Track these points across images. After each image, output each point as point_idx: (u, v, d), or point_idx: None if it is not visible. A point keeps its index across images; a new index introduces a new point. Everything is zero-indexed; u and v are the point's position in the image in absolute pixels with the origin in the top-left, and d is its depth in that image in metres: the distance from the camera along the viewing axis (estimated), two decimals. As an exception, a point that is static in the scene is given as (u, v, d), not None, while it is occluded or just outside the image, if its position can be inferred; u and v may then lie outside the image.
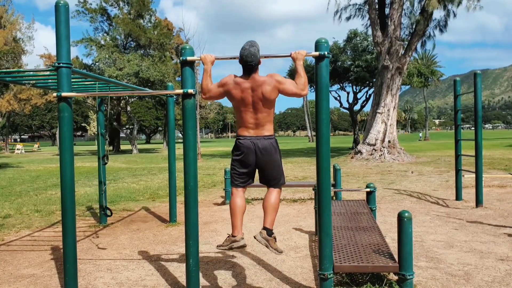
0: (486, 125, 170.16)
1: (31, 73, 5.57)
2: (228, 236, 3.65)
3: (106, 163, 6.68)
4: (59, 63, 3.73)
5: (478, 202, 7.84)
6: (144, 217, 7.72)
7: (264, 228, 3.62)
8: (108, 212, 6.74)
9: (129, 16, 35.27)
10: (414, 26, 21.96)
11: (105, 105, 7.00)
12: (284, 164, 19.02)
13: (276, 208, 3.70)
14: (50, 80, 5.48)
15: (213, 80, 3.72)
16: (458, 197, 8.60)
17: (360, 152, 20.91)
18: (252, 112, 3.59)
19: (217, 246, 3.74)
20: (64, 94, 3.72)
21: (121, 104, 37.03)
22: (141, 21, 35.94)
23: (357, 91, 35.78)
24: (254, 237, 3.61)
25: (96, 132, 6.83)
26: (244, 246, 3.62)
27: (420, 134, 69.26)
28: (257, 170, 3.74)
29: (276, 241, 3.62)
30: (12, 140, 76.56)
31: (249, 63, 3.52)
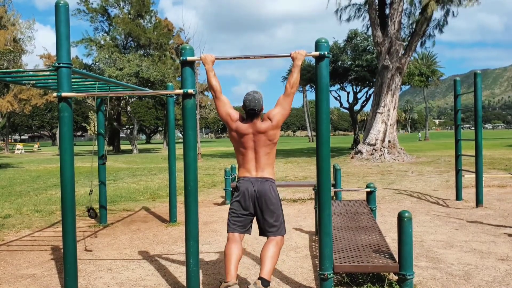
0: (486, 125, 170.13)
1: (31, 73, 5.57)
2: (221, 284, 3.43)
3: (104, 163, 6.67)
4: (59, 63, 3.73)
5: (478, 202, 7.84)
6: (144, 217, 7.72)
7: (260, 278, 3.35)
8: (93, 213, 6.38)
9: (129, 16, 35.27)
10: (414, 26, 21.97)
11: (105, 105, 7.00)
12: (284, 164, 19.12)
13: (275, 258, 3.46)
14: (50, 80, 5.49)
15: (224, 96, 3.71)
16: (458, 197, 8.60)
17: (360, 152, 20.91)
18: (253, 156, 3.58)
19: None
20: (64, 94, 3.72)
21: (121, 104, 37.04)
22: (141, 21, 35.95)
23: (357, 91, 35.81)
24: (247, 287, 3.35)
25: (95, 132, 6.82)
26: None
27: (419, 134, 69.20)
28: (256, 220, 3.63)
29: None
30: (12, 140, 76.56)
31: (251, 107, 3.54)
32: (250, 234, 3.68)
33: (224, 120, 3.67)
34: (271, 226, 3.57)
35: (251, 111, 3.55)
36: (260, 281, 3.32)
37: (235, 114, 3.63)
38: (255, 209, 3.57)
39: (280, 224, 3.60)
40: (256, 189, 3.53)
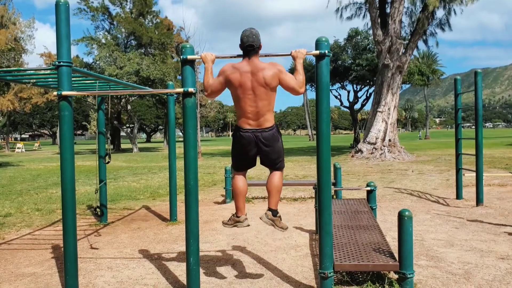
0: (487, 124, 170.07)
1: (32, 72, 5.57)
2: (232, 215, 3.85)
3: (108, 162, 6.61)
4: (59, 62, 3.73)
5: (479, 201, 7.84)
6: (144, 215, 7.72)
7: (269, 209, 3.78)
8: (99, 212, 6.53)
9: (131, 15, 35.26)
10: (414, 25, 21.95)
11: (106, 104, 6.99)
12: (285, 163, 19.01)
13: (279, 189, 3.81)
14: (50, 79, 5.48)
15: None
16: (458, 196, 8.60)
17: (360, 151, 20.91)
18: (251, 100, 3.55)
19: (223, 222, 3.96)
20: (64, 93, 3.72)
21: (122, 103, 37.04)
22: (143, 20, 35.94)
23: (358, 90, 35.82)
24: (260, 218, 3.78)
25: (96, 131, 6.81)
26: (247, 225, 3.89)
27: (420, 133, 69.11)
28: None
29: (281, 220, 3.81)
30: (13, 139, 76.59)
31: (250, 43, 3.50)
32: (255, 165, 3.90)
33: (222, 84, 3.62)
34: (274, 163, 3.80)
35: (249, 47, 3.51)
36: (270, 212, 3.78)
37: (225, 67, 3.62)
38: (258, 152, 3.73)
39: (282, 159, 3.84)
40: (259, 142, 3.64)
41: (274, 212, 3.77)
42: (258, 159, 3.88)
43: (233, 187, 3.88)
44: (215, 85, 3.64)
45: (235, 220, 3.85)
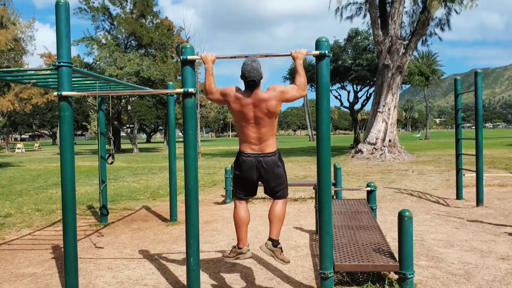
0: (487, 124, 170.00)
1: (32, 72, 5.57)
2: (234, 248, 3.66)
3: (112, 162, 6.56)
4: (59, 62, 3.73)
5: (479, 201, 7.83)
6: (144, 216, 7.72)
7: (270, 239, 3.60)
8: (104, 211, 6.67)
9: (131, 15, 35.26)
10: (415, 25, 21.95)
11: (106, 104, 6.98)
12: (285, 163, 19.02)
13: (281, 218, 3.66)
14: (50, 79, 5.49)
15: (217, 84, 3.70)
16: (458, 196, 8.60)
17: (360, 151, 20.90)
18: (254, 127, 3.55)
19: (224, 256, 3.76)
20: (64, 93, 3.72)
21: (122, 103, 37.04)
22: (143, 21, 35.95)
23: (358, 90, 35.81)
24: (260, 248, 3.64)
25: (96, 132, 6.80)
26: (250, 257, 3.68)
27: (419, 134, 69.03)
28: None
29: (282, 252, 3.62)
30: (13, 139, 76.59)
31: (251, 78, 3.46)
32: (256, 195, 3.84)
33: (222, 101, 3.64)
34: (276, 191, 3.70)
35: (251, 82, 3.49)
36: (270, 242, 3.60)
37: (231, 88, 3.60)
38: (260, 179, 3.66)
39: (284, 187, 3.73)
40: (261, 167, 3.57)
41: (275, 243, 3.59)
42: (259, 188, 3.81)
43: (234, 217, 3.71)
44: (216, 97, 3.65)
45: (237, 252, 3.64)
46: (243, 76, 3.50)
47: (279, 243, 3.61)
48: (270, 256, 3.60)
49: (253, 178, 3.63)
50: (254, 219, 6.75)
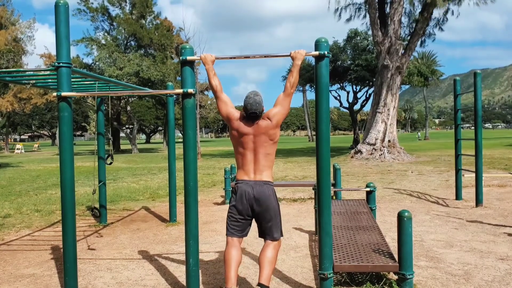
0: (486, 125, 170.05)
1: (31, 72, 5.57)
2: None
3: (111, 163, 6.58)
4: (59, 63, 3.73)
5: (478, 201, 7.84)
6: (144, 216, 7.72)
7: (259, 284, 3.40)
8: (97, 213, 6.49)
9: (131, 16, 35.26)
10: (414, 26, 21.97)
11: (105, 105, 6.98)
12: (284, 164, 19.10)
13: (273, 262, 3.50)
14: (50, 80, 5.49)
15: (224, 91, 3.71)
16: (458, 196, 8.60)
17: (360, 151, 20.91)
18: (252, 156, 3.55)
19: None
20: (64, 93, 3.72)
21: (121, 104, 37.03)
22: (143, 21, 35.96)
23: (357, 90, 35.83)
24: None
25: (95, 132, 6.80)
26: None
27: (419, 134, 69.00)
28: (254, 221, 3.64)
29: None
30: (12, 139, 76.52)
31: (254, 111, 3.50)
32: (247, 236, 3.69)
33: (225, 119, 3.67)
34: (268, 230, 3.58)
35: (252, 114, 3.52)
36: (259, 287, 3.38)
37: (236, 113, 3.61)
38: (253, 213, 3.55)
39: (278, 227, 3.60)
40: (254, 193, 3.49)
41: None
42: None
43: (225, 255, 3.51)
44: (221, 107, 3.66)
45: None
46: (245, 108, 3.55)
47: None
48: None
49: (246, 206, 3.50)
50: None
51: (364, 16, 24.95)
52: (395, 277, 3.85)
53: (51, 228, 6.85)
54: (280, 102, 3.61)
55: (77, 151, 41.61)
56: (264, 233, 3.61)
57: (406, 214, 3.68)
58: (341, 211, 5.73)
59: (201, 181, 12.41)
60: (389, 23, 20.85)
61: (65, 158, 3.79)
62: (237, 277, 3.48)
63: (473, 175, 7.97)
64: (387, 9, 21.75)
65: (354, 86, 35.58)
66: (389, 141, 20.81)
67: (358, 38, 32.52)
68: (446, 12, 22.75)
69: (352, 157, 21.11)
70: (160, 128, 69.61)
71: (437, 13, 22.85)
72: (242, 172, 3.59)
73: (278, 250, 3.60)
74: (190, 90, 3.58)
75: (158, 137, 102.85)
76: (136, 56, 32.45)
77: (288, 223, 6.75)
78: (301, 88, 48.99)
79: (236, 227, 3.58)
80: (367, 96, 35.61)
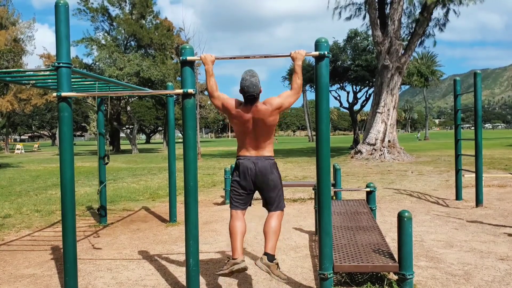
0: (486, 125, 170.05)
1: (31, 73, 5.57)
2: (228, 260, 3.52)
3: (107, 163, 6.67)
4: (59, 63, 3.73)
5: (478, 201, 7.84)
6: (144, 217, 7.72)
7: (265, 253, 3.50)
8: (103, 212, 6.65)
9: (131, 16, 35.27)
10: (414, 26, 21.97)
11: (105, 105, 6.99)
12: (284, 164, 19.11)
13: (277, 232, 3.59)
14: (50, 80, 5.49)
15: (219, 88, 3.72)
16: (458, 196, 8.60)
17: (360, 151, 20.91)
18: (252, 137, 3.60)
19: (217, 273, 3.57)
20: (64, 94, 3.72)
21: (121, 104, 37.03)
22: (143, 21, 35.97)
23: (357, 90, 35.84)
24: (255, 263, 3.53)
25: (95, 132, 6.83)
26: (245, 268, 3.46)
27: (418, 134, 68.98)
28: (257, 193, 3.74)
29: (278, 267, 3.49)
30: (12, 140, 76.52)
31: (250, 93, 3.51)
32: (250, 206, 3.80)
33: (223, 111, 3.70)
34: (272, 202, 3.67)
35: (250, 97, 3.54)
36: (266, 257, 3.48)
37: (231, 101, 3.64)
38: (255, 187, 3.65)
39: (280, 199, 3.70)
40: (257, 169, 3.58)
41: (271, 257, 3.46)
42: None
43: (230, 227, 3.62)
44: (216, 103, 3.69)
45: (231, 264, 3.43)
46: (242, 91, 3.56)
47: (275, 258, 3.49)
48: (266, 272, 3.45)
49: (249, 181, 3.60)
50: (253, 219, 6.75)
51: (364, 17, 24.97)
52: (395, 277, 3.85)
53: (51, 228, 6.85)
54: (285, 97, 3.62)
55: (77, 151, 41.63)
56: (267, 204, 3.72)
57: (406, 214, 3.68)
58: (341, 211, 5.73)
59: (201, 181, 12.41)
60: (389, 23, 20.85)
61: (65, 158, 3.79)
62: (243, 249, 3.62)
63: (473, 175, 7.97)
64: (387, 9, 21.75)
65: (354, 86, 35.59)
66: (389, 141, 20.80)
67: (358, 38, 32.53)
68: (447, 12, 22.75)
69: (352, 157, 21.11)
70: (160, 128, 69.61)
71: (437, 13, 22.86)
72: (243, 149, 3.67)
73: (281, 219, 3.70)
74: (190, 90, 3.58)
75: (158, 137, 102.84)
76: (136, 56, 32.45)
77: (288, 223, 6.75)
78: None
79: (240, 200, 3.69)
80: (367, 96, 35.65)
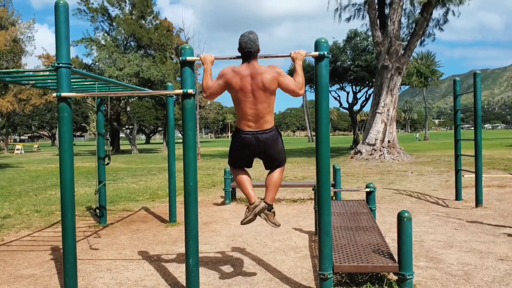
0: (486, 125, 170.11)
1: (31, 73, 5.57)
2: (247, 207, 3.76)
3: (108, 164, 6.65)
4: (58, 63, 3.72)
5: (478, 202, 7.84)
6: (143, 217, 7.72)
7: (265, 203, 3.76)
8: (99, 213, 6.63)
9: (131, 17, 35.29)
10: (413, 26, 21.98)
11: (105, 105, 6.99)
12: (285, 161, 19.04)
13: (277, 185, 3.82)
14: (49, 80, 5.49)
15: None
16: (457, 197, 8.60)
17: (359, 152, 20.91)
18: (251, 103, 3.55)
19: (241, 222, 3.80)
20: (63, 94, 3.72)
21: (121, 104, 37.04)
22: (143, 22, 35.99)
23: (357, 91, 35.85)
24: (254, 211, 3.72)
25: (95, 133, 6.84)
26: (265, 207, 3.72)
27: (417, 135, 68.96)
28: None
29: (275, 216, 3.82)
30: (12, 140, 76.52)
31: (248, 49, 3.52)
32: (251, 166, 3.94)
33: (223, 89, 3.64)
34: (275, 163, 3.83)
35: (247, 53, 3.53)
36: (265, 206, 3.74)
37: (225, 70, 3.61)
38: (259, 155, 3.77)
39: (282, 159, 3.86)
40: (258, 143, 3.64)
41: (269, 207, 3.78)
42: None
43: (237, 180, 3.84)
44: (214, 87, 3.65)
45: (251, 208, 3.72)
46: (240, 48, 3.57)
47: (272, 207, 3.81)
48: (263, 219, 3.77)
49: (251, 154, 3.74)
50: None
51: (364, 17, 24.99)
52: (395, 277, 3.85)
53: (51, 229, 6.84)
54: (288, 78, 3.58)
55: (76, 151, 41.61)
56: (271, 167, 3.86)
57: (406, 214, 3.68)
58: (341, 212, 5.73)
59: (200, 182, 12.41)
60: (388, 23, 20.86)
61: (65, 158, 3.79)
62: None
63: (473, 175, 7.97)
64: (387, 10, 21.76)
65: (353, 87, 35.60)
66: (388, 141, 20.81)
67: (358, 38, 32.54)
68: (447, 12, 22.77)
69: (351, 157, 21.12)
70: (160, 128, 69.63)
71: (437, 13, 22.88)
72: (243, 122, 3.65)
73: (283, 172, 3.90)
74: (190, 91, 3.58)
75: (158, 137, 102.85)
76: (136, 57, 32.46)
77: (287, 223, 6.76)
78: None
79: (241, 161, 3.85)
80: (367, 96, 35.66)
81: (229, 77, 3.57)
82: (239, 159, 3.83)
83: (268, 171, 3.90)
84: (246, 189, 3.81)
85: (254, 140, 3.62)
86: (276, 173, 3.83)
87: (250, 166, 3.89)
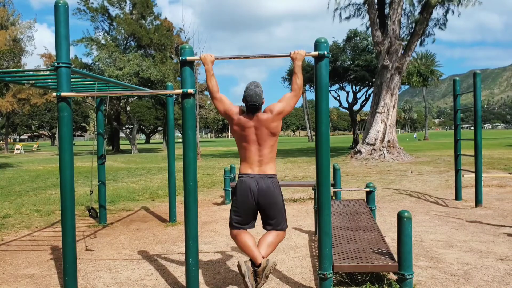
0: (486, 125, 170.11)
1: (31, 72, 5.57)
2: (253, 271, 3.43)
3: (103, 163, 6.67)
4: (58, 63, 3.72)
5: (478, 201, 7.84)
6: (143, 217, 7.72)
7: (252, 263, 3.48)
8: (93, 213, 6.51)
9: (131, 16, 35.29)
10: (413, 26, 21.98)
11: (105, 105, 6.99)
12: (284, 164, 19.11)
13: (271, 246, 3.58)
14: (49, 80, 5.48)
15: (220, 89, 3.71)
16: (457, 196, 8.60)
17: (359, 151, 20.91)
18: (255, 149, 3.56)
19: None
20: (63, 94, 3.72)
21: (121, 104, 37.04)
22: (143, 21, 36.00)
23: (357, 90, 35.84)
24: (238, 265, 3.45)
25: (94, 132, 6.83)
26: (274, 263, 3.50)
27: (416, 135, 68.92)
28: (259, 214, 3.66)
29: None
30: (12, 140, 76.49)
31: (253, 103, 3.50)
32: (253, 227, 3.73)
33: (225, 116, 3.68)
34: (273, 222, 3.62)
35: (252, 106, 3.53)
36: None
37: (235, 109, 3.62)
38: (258, 206, 3.58)
39: (282, 219, 3.64)
40: (259, 187, 3.52)
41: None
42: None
43: (239, 244, 3.58)
44: (219, 108, 3.66)
45: (260, 272, 3.39)
46: (245, 100, 3.55)
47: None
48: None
49: (251, 201, 3.53)
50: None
51: (364, 17, 24.98)
52: (395, 277, 3.85)
53: (50, 228, 6.84)
54: (286, 99, 3.61)
55: (76, 151, 41.60)
56: (268, 224, 3.65)
57: (406, 214, 3.68)
58: (341, 211, 5.73)
59: (200, 181, 12.41)
60: (388, 23, 20.86)
61: (65, 158, 3.79)
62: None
63: (473, 175, 7.98)
64: (387, 10, 21.75)
65: (353, 87, 35.60)
66: (388, 141, 20.81)
67: (358, 38, 32.54)
68: (446, 12, 22.77)
69: (351, 157, 21.12)
70: (159, 128, 69.61)
71: (436, 13, 22.88)
72: (246, 165, 3.60)
73: (280, 240, 3.66)
74: (190, 91, 3.58)
75: (157, 137, 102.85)
76: (135, 56, 32.46)
77: (287, 223, 6.75)
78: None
79: (241, 219, 3.61)
80: (367, 96, 35.66)
81: (232, 122, 3.60)
82: (239, 211, 3.60)
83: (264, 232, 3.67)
84: (250, 251, 3.49)
85: (255, 183, 3.51)
86: (272, 236, 3.58)
87: (252, 224, 3.66)
